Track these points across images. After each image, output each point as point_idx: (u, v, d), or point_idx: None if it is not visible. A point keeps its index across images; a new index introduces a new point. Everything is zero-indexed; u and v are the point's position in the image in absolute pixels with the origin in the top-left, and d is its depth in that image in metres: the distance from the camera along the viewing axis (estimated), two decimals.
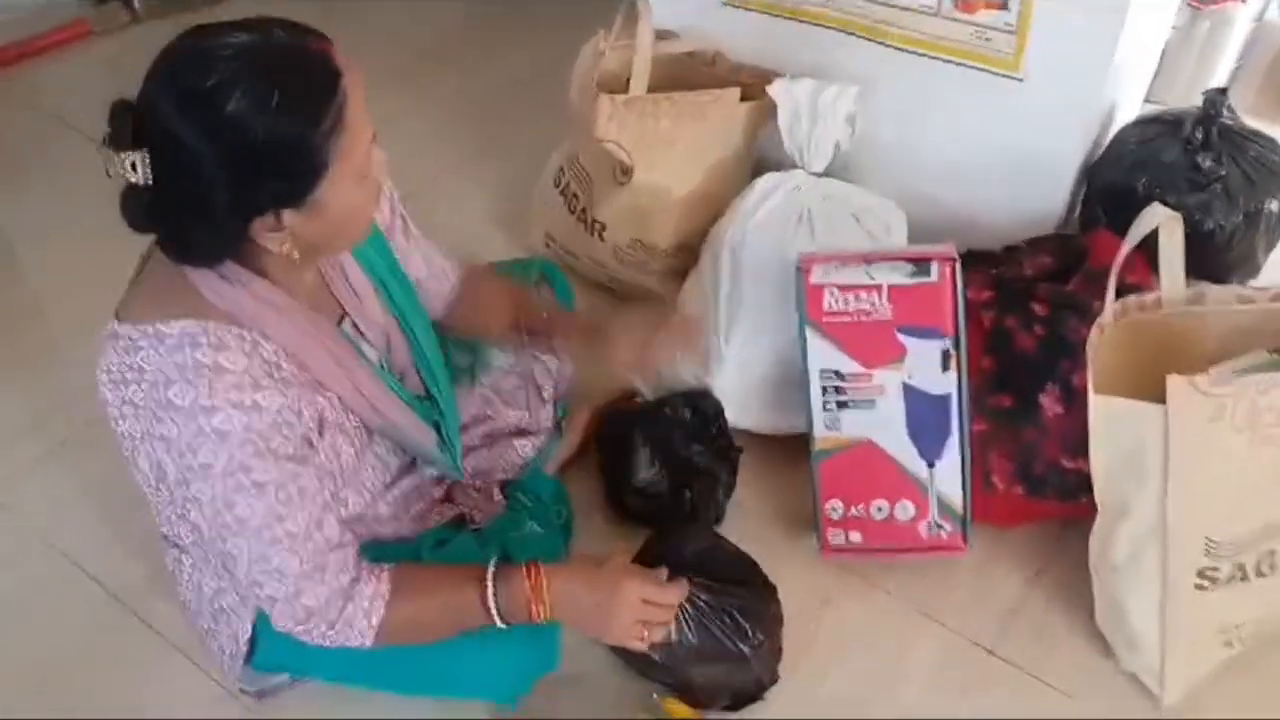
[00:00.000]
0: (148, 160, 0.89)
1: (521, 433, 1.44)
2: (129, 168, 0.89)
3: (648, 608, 1.13)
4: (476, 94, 2.25)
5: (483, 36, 2.42)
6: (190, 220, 0.94)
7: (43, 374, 1.73)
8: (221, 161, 0.90)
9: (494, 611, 1.08)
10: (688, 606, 1.19)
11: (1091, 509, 1.27)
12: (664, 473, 1.41)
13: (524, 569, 1.09)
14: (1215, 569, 1.18)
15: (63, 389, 1.69)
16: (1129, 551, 1.21)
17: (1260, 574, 1.18)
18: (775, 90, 1.48)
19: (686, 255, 1.64)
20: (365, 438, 1.14)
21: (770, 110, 1.49)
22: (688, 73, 1.65)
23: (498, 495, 1.34)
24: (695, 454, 1.41)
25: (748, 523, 1.45)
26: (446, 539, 1.20)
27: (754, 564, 1.30)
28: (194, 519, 1.02)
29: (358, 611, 1.05)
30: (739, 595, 1.23)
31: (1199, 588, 1.19)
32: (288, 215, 0.95)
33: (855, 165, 1.55)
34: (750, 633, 1.21)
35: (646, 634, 1.13)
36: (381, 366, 1.17)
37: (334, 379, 1.07)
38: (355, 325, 1.15)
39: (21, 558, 1.47)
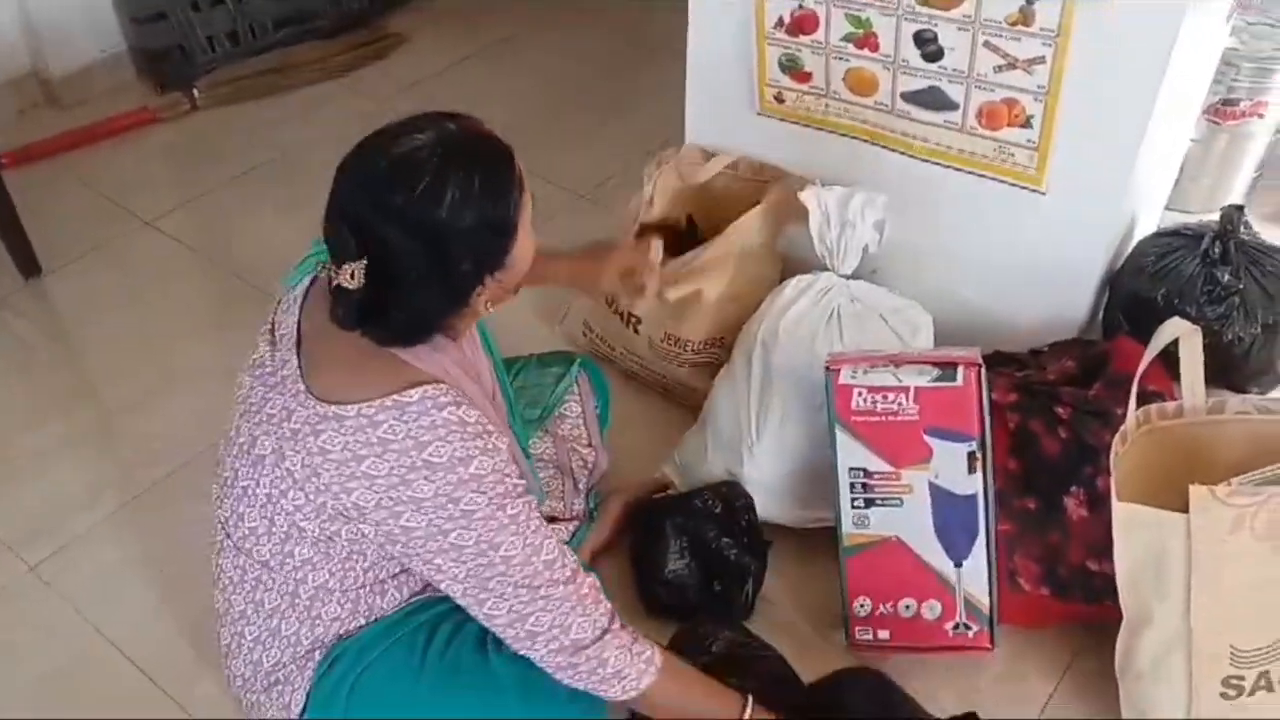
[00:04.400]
0: (364, 268, 0.99)
1: (554, 519, 1.48)
2: (349, 278, 1.00)
3: None
4: (564, 183, 2.32)
5: (534, 131, 2.51)
6: (414, 314, 1.04)
7: (95, 450, 1.78)
8: (443, 251, 1.01)
9: None
10: None
11: (1117, 612, 1.29)
12: (694, 565, 1.44)
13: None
14: (1240, 678, 1.19)
15: (114, 465, 1.75)
16: (1154, 659, 1.23)
17: None
18: (807, 196, 1.54)
19: (718, 348, 1.69)
20: None
21: (792, 206, 1.56)
22: (718, 180, 1.74)
23: None
24: (725, 546, 1.44)
25: (777, 616, 1.47)
26: None
27: (781, 660, 1.32)
28: (447, 570, 1.07)
29: (631, 668, 1.11)
30: (766, 694, 1.24)
31: (1224, 696, 1.20)
32: (490, 281, 1.07)
33: (884, 268, 1.60)
34: None
35: None
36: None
37: (502, 430, 1.15)
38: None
39: (60, 637, 1.50)
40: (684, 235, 1.76)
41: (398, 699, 1.19)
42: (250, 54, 2.63)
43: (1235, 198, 2.03)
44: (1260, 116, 1.91)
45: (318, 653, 1.20)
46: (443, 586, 1.10)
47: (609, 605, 1.13)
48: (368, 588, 1.17)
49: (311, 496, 1.08)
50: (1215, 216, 1.52)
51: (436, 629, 1.21)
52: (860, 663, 1.39)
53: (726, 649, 1.28)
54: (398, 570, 1.17)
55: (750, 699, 1.18)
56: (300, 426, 1.07)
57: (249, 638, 1.22)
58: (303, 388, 1.08)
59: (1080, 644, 1.41)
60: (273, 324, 1.18)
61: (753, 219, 1.65)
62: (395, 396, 1.04)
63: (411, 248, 1.00)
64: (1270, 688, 1.19)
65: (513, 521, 1.06)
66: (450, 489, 1.03)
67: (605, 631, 1.11)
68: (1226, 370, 1.40)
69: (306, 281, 1.18)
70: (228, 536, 1.21)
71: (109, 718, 1.39)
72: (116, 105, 2.51)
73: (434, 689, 1.18)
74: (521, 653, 1.12)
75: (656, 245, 1.46)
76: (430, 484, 1.03)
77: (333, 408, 1.05)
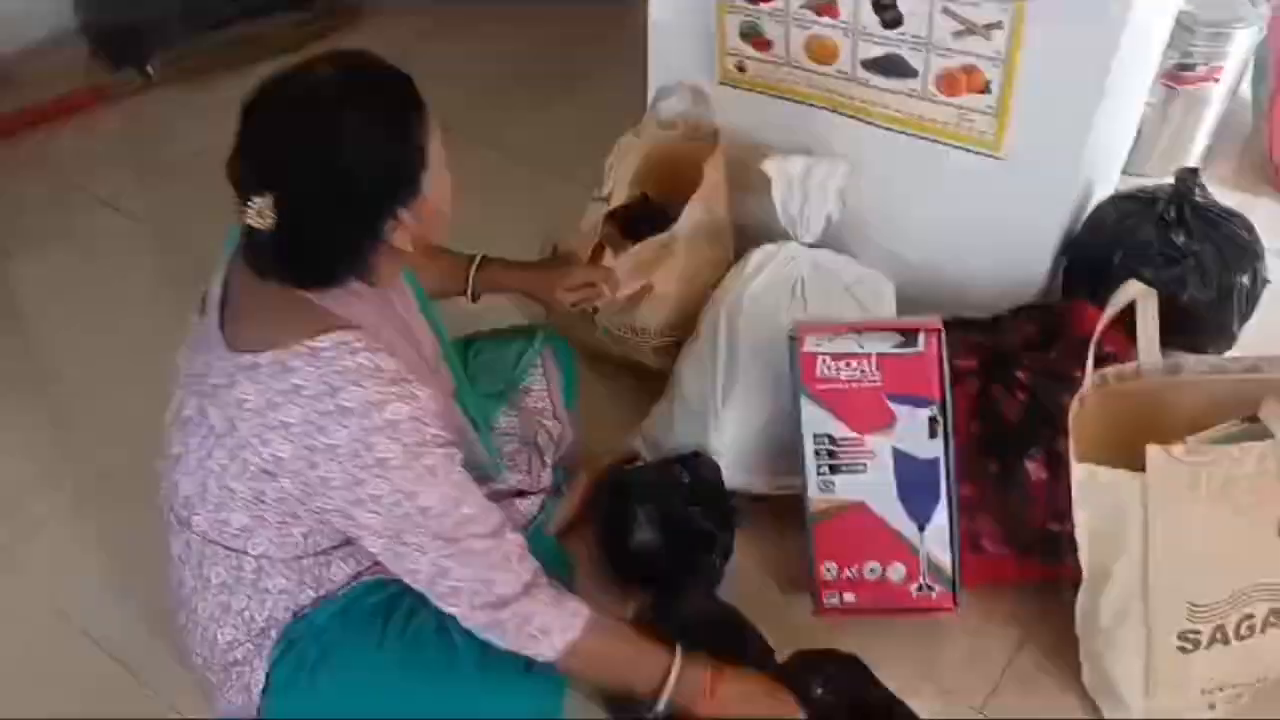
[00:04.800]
0: (271, 203, 0.99)
1: (521, 494, 1.48)
2: (256, 216, 0.99)
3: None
4: (479, 162, 2.32)
5: (496, 104, 2.49)
6: (325, 248, 1.04)
7: (55, 434, 1.76)
8: (346, 183, 1.01)
9: (669, 684, 1.15)
10: None
11: (1077, 571, 1.31)
12: (662, 535, 1.45)
13: (708, 670, 1.18)
14: (1197, 632, 1.22)
15: (75, 447, 1.73)
16: (1113, 615, 1.25)
17: (1240, 637, 1.22)
18: (769, 166, 1.54)
19: (677, 331, 1.68)
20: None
21: (738, 177, 1.56)
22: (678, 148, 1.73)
23: None
24: (693, 516, 1.44)
25: (744, 582, 1.48)
26: None
27: (751, 627, 1.33)
28: (364, 522, 1.05)
29: (556, 623, 1.10)
30: (739, 663, 1.25)
31: (1181, 650, 1.23)
32: (404, 214, 1.06)
33: (845, 236, 1.61)
34: None
35: None
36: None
37: (426, 381, 1.12)
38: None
39: (25, 621, 1.49)
40: (641, 215, 1.74)
41: (360, 679, 1.18)
42: (204, 30, 2.58)
43: (1191, 161, 2.06)
44: (1215, 81, 1.93)
45: (273, 631, 1.19)
46: (365, 543, 1.08)
47: (536, 564, 1.13)
48: (310, 558, 1.16)
49: (234, 453, 1.07)
50: (1171, 180, 1.54)
51: (393, 609, 1.20)
52: (828, 625, 1.41)
53: (700, 617, 1.30)
54: (340, 540, 1.15)
55: (679, 650, 1.17)
56: (219, 380, 1.06)
57: (202, 615, 1.21)
58: (221, 341, 1.08)
59: (1040, 602, 1.43)
60: (205, 292, 1.18)
61: (695, 203, 1.64)
62: (308, 342, 1.03)
63: (315, 179, 1.00)
64: (1226, 640, 1.22)
65: (429, 472, 1.05)
66: (364, 435, 1.01)
67: (530, 585, 1.10)
68: (1182, 332, 1.42)
69: (234, 248, 1.17)
70: (172, 512, 1.20)
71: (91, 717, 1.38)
72: (69, 85, 2.47)
73: (396, 668, 1.18)
74: (447, 610, 1.10)
75: (613, 271, 1.50)
76: (344, 429, 1.01)
77: (247, 357, 1.04)
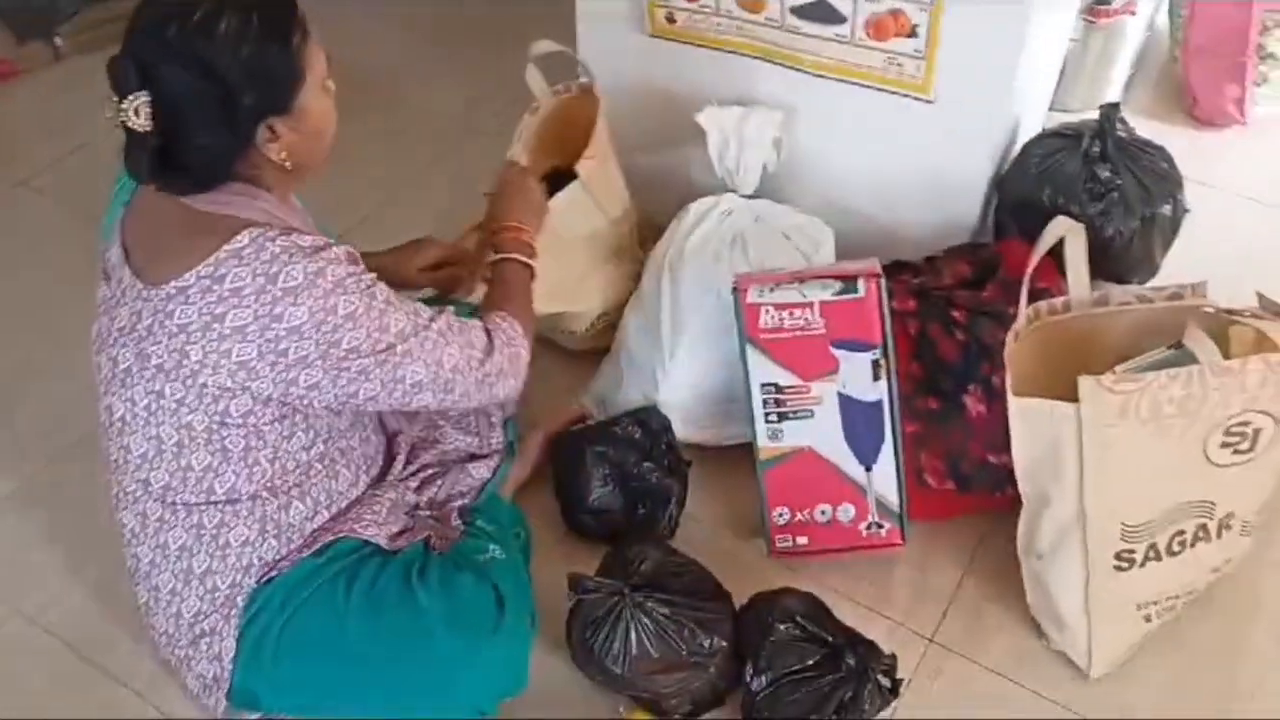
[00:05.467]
0: (148, 103, 1.03)
1: (474, 457, 1.48)
2: (132, 114, 1.03)
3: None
4: (417, 124, 2.28)
5: (420, 66, 2.45)
6: (199, 146, 1.08)
7: None
8: (220, 84, 1.05)
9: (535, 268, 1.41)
10: (648, 621, 1.26)
11: (1017, 500, 1.36)
12: (617, 491, 1.47)
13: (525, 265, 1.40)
14: (1131, 551, 1.27)
15: (8, 438, 1.69)
16: (1052, 539, 1.30)
17: (1171, 553, 1.29)
18: (704, 118, 1.55)
19: (608, 321, 1.68)
20: None
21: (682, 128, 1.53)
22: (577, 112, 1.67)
23: (456, 521, 1.38)
24: (647, 471, 1.47)
25: (699, 531, 1.51)
26: (422, 563, 1.24)
27: (708, 574, 1.36)
28: (353, 376, 1.12)
29: (516, 328, 1.29)
30: (695, 607, 1.29)
31: (1118, 569, 1.29)
32: (278, 123, 1.10)
33: (782, 185, 1.62)
34: (708, 642, 1.27)
35: None
36: None
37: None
38: None
39: None
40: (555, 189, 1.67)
41: (327, 639, 1.20)
42: None
43: (1113, 94, 2.10)
44: (1133, 14, 1.97)
45: (239, 598, 1.20)
46: (361, 397, 1.15)
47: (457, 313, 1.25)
48: (272, 493, 1.19)
49: (188, 381, 1.10)
50: (1094, 115, 1.57)
51: (358, 571, 1.23)
52: (783, 568, 1.45)
53: (654, 568, 1.32)
54: (297, 474, 1.20)
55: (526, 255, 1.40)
56: (151, 320, 1.10)
57: (164, 590, 1.22)
58: (140, 286, 1.11)
59: (984, 531, 1.49)
60: (102, 265, 1.21)
61: (561, 203, 1.57)
62: (226, 247, 1.07)
63: (188, 79, 1.04)
64: (1159, 557, 1.28)
65: (387, 302, 1.13)
66: (321, 301, 1.08)
67: (486, 325, 1.26)
68: (1108, 263, 1.47)
69: (120, 212, 1.20)
70: (120, 488, 1.21)
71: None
72: None
73: (361, 626, 1.20)
74: (464, 403, 1.23)
75: (472, 237, 1.50)
76: (300, 307, 1.07)
77: (173, 284, 1.08)
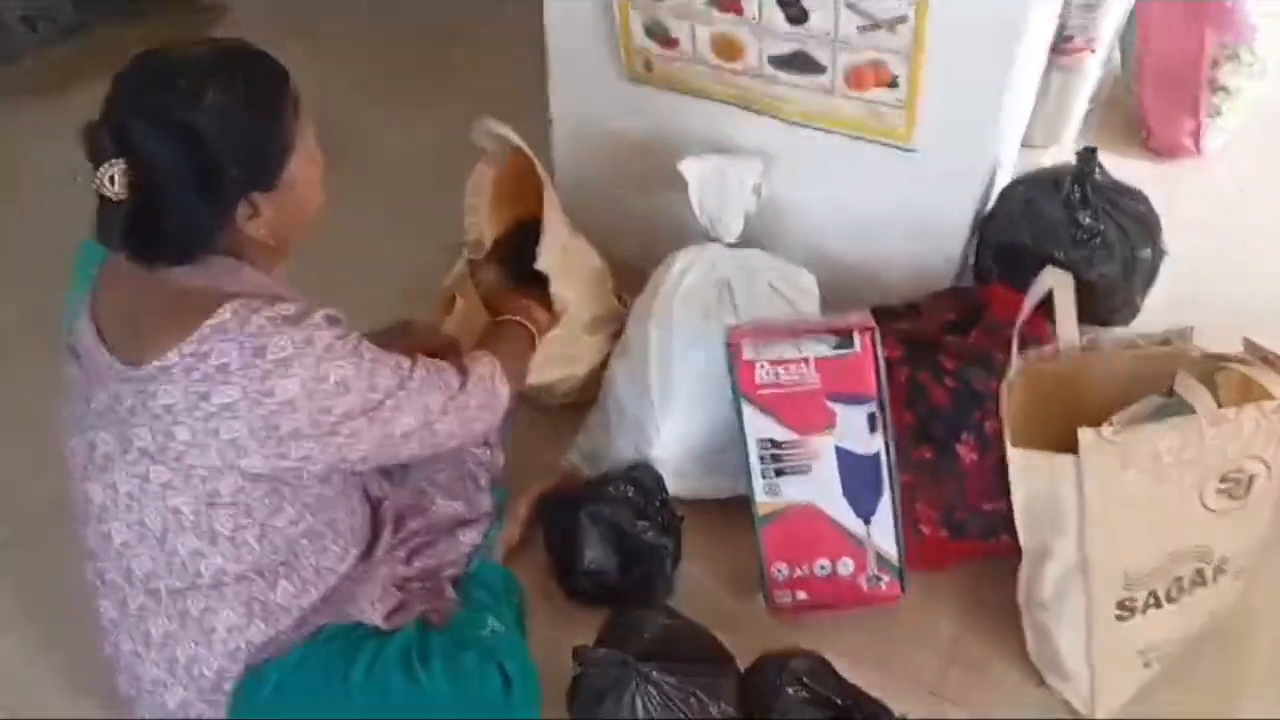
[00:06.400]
0: (124, 171, 0.98)
1: (463, 523, 1.44)
2: (108, 181, 0.98)
3: None
4: (385, 167, 2.22)
5: (372, 113, 2.39)
6: (176, 218, 1.02)
7: None
8: (203, 156, 1.01)
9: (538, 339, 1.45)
10: (654, 691, 1.22)
11: (1012, 546, 1.36)
12: (612, 552, 1.44)
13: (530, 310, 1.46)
14: (1133, 599, 1.28)
15: None
16: (1054, 589, 1.30)
17: (1170, 599, 1.29)
18: (685, 167, 1.53)
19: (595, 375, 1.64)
20: None
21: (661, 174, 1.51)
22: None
23: (450, 592, 1.34)
24: (641, 530, 1.44)
25: (696, 589, 1.48)
26: (422, 644, 1.20)
27: (711, 636, 1.33)
28: (345, 439, 1.09)
29: (490, 366, 1.27)
30: (701, 673, 1.26)
31: (1120, 618, 1.29)
32: (261, 200, 1.07)
33: (762, 231, 1.61)
34: (715, 709, 1.24)
35: None
36: None
37: None
38: None
39: None
40: (523, 243, 1.62)
41: None
42: (50, 42, 2.39)
43: (1072, 129, 2.14)
44: (1092, 51, 2.01)
45: (226, 684, 1.15)
46: (353, 458, 1.12)
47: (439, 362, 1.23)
48: (259, 574, 1.14)
49: (175, 464, 1.05)
50: (1059, 151, 1.59)
51: (355, 655, 1.18)
52: (782, 624, 1.43)
53: (657, 635, 1.29)
54: (285, 551, 1.16)
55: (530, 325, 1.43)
56: (133, 402, 1.04)
57: (146, 680, 1.16)
58: (120, 366, 1.06)
59: (978, 577, 1.48)
60: (70, 345, 1.14)
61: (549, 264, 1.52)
62: (209, 323, 1.02)
63: (168, 148, 1.00)
64: (1159, 604, 1.29)
65: (374, 360, 1.11)
66: (313, 370, 1.04)
67: (462, 361, 1.25)
68: (1090, 306, 1.48)
69: (86, 286, 1.14)
70: (99, 576, 1.16)
71: None
72: None
73: (363, 714, 1.15)
74: (449, 444, 1.22)
75: (453, 340, 1.47)
76: (291, 379, 1.03)
77: (154, 364, 1.03)
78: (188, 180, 1.02)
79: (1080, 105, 2.09)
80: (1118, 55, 2.23)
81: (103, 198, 1.01)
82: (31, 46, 2.37)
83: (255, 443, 1.05)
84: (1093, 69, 2.04)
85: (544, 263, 1.50)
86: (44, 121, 2.26)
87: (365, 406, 1.10)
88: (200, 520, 1.09)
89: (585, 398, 1.66)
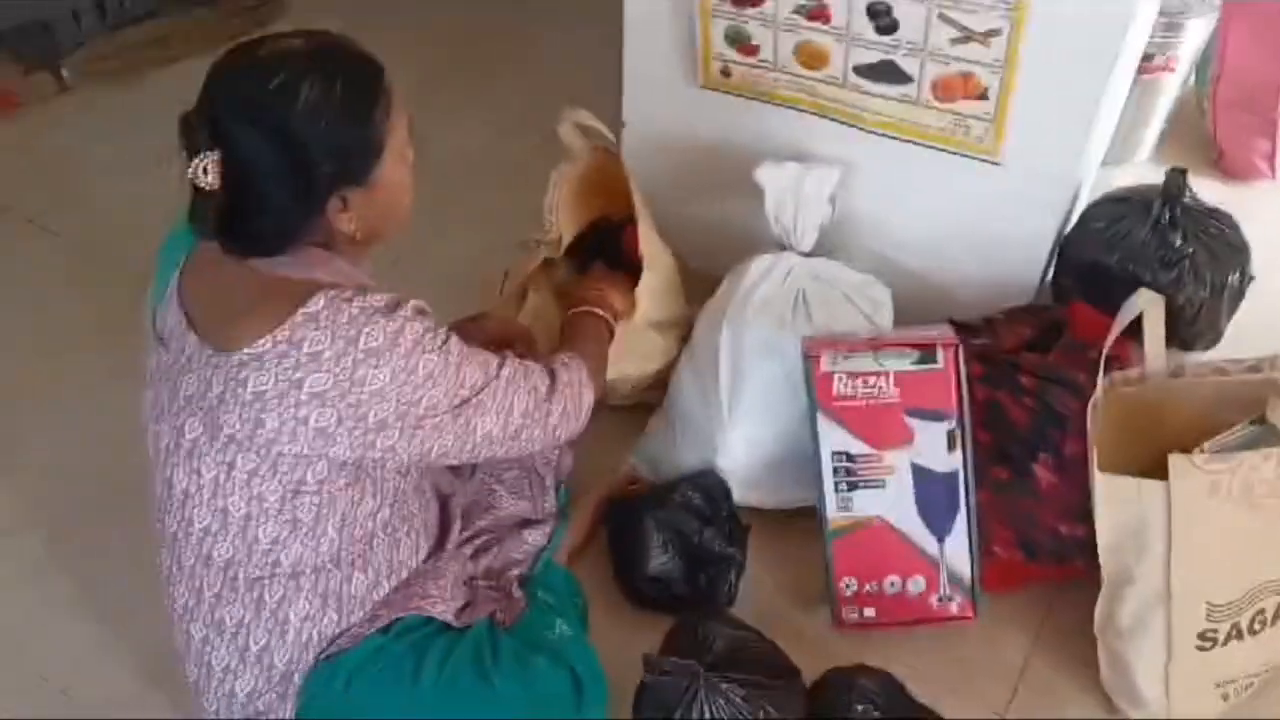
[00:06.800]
0: (218, 162, 0.99)
1: (528, 523, 1.44)
2: (201, 172, 0.99)
3: None
4: (440, 163, 2.21)
5: (442, 97, 2.39)
6: (267, 211, 1.03)
7: (5, 481, 1.63)
8: (295, 152, 1.01)
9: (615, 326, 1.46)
10: (723, 704, 1.21)
11: (1085, 570, 1.34)
12: (678, 559, 1.42)
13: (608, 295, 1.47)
14: (1215, 630, 1.25)
15: (24, 499, 1.60)
16: (1134, 618, 1.28)
17: (1253, 632, 1.26)
18: (761, 175, 1.52)
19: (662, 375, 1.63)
20: None
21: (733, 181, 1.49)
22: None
23: (517, 592, 1.33)
24: (709, 539, 1.42)
25: (760, 600, 1.46)
26: (493, 643, 1.20)
27: (778, 650, 1.31)
28: (428, 433, 1.09)
29: (578, 372, 1.27)
30: (770, 687, 1.24)
31: (1200, 649, 1.26)
32: (351, 196, 1.07)
33: (836, 242, 1.59)
34: None
35: None
36: None
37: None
38: None
39: (6, 694, 1.38)
40: (596, 243, 1.65)
41: None
42: (119, 27, 2.40)
43: (1146, 149, 2.11)
44: (1171, 71, 1.98)
45: (296, 675, 1.15)
46: (434, 454, 1.12)
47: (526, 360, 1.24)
48: (336, 565, 1.14)
49: (262, 451, 1.05)
50: (1134, 170, 1.55)
51: (426, 650, 1.17)
52: (848, 640, 1.41)
53: (726, 646, 1.27)
54: (362, 543, 1.16)
55: (599, 312, 1.42)
56: (223, 389, 1.04)
57: (217, 667, 1.16)
58: (210, 353, 1.06)
59: (1051, 601, 1.46)
60: (155, 331, 1.15)
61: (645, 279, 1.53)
62: (302, 310, 1.03)
63: (262, 143, 1.00)
64: (1241, 636, 1.26)
65: (461, 355, 1.11)
66: (403, 361, 1.04)
67: (550, 365, 1.25)
68: (1176, 331, 1.45)
69: (176, 276, 1.15)
70: (176, 562, 1.15)
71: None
72: None
73: (435, 711, 1.15)
74: (530, 448, 1.21)
75: (525, 330, 1.48)
76: (382, 369, 1.03)
77: (245, 352, 1.03)
78: (279, 176, 1.02)
79: (1156, 125, 2.06)
80: (1192, 74, 2.19)
81: (197, 188, 1.01)
82: (100, 33, 2.37)
83: (344, 431, 1.05)
84: (1170, 88, 2.01)
85: (645, 248, 1.51)
86: (114, 108, 2.28)
87: (451, 402, 1.10)
88: (284, 508, 1.09)
89: (648, 399, 1.65)
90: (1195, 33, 1.94)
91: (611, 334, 1.43)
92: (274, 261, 1.07)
